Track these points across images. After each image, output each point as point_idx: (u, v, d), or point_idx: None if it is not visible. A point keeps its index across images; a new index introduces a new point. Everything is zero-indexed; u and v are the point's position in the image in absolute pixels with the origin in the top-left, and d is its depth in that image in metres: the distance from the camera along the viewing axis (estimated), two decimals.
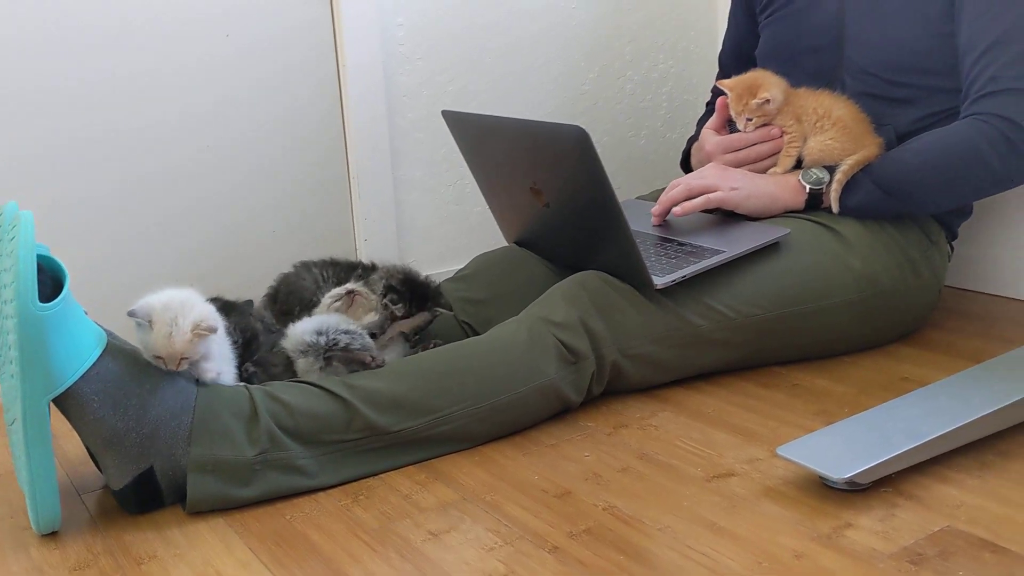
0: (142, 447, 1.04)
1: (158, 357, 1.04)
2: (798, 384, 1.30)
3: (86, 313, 1.06)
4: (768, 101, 1.42)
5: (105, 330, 1.08)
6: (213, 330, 1.05)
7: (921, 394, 1.13)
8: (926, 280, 1.42)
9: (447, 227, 1.87)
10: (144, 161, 1.56)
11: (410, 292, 1.28)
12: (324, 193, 1.74)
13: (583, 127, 1.16)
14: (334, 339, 1.12)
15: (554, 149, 1.25)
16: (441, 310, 1.33)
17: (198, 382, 1.09)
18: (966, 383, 1.15)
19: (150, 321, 1.03)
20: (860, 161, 1.36)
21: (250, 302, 1.39)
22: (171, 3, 1.54)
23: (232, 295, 1.40)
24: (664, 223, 1.45)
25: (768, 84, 1.44)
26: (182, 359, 1.04)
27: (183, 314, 1.03)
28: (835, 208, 1.37)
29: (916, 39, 1.41)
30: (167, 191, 1.59)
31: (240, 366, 1.18)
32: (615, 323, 1.25)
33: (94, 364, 1.02)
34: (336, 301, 1.21)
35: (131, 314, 1.04)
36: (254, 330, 1.21)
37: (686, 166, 1.72)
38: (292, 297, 1.30)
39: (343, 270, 1.33)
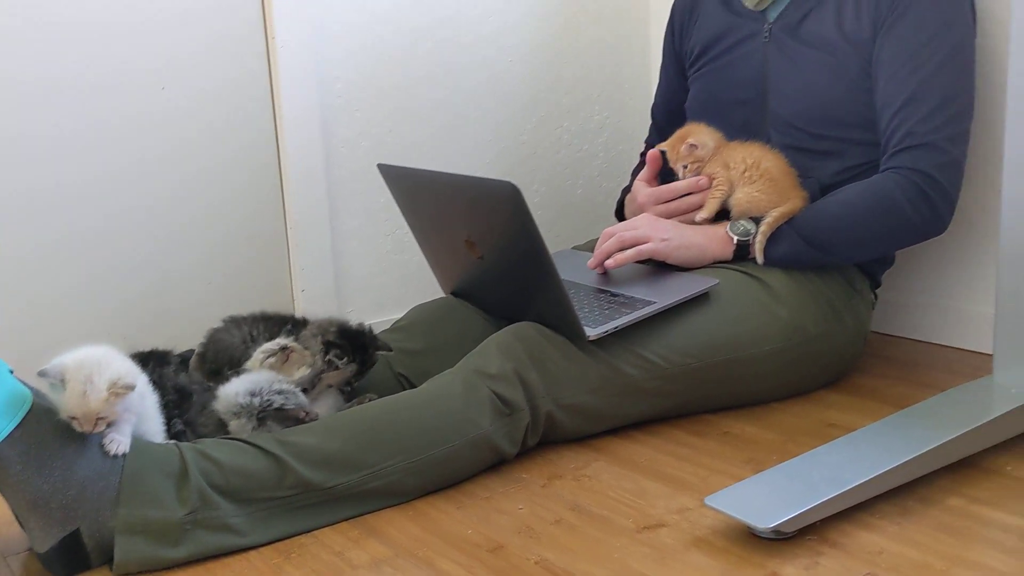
0: (68, 509, 1.02)
1: (73, 418, 1.01)
2: (728, 432, 1.33)
3: (12, 372, 1.05)
4: (695, 146, 1.46)
5: (32, 389, 1.06)
6: (131, 388, 1.03)
7: (845, 441, 1.17)
8: (850, 328, 1.46)
9: (385, 276, 1.87)
10: (79, 214, 1.55)
11: (350, 343, 1.28)
12: (261, 244, 1.73)
13: (515, 183, 1.18)
14: (268, 400, 1.12)
15: (487, 204, 1.27)
16: (382, 352, 1.34)
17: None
18: (888, 430, 1.18)
19: (63, 380, 1.01)
20: (785, 214, 1.40)
21: (191, 352, 1.38)
22: (107, 55, 1.54)
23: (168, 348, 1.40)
24: (595, 272, 1.48)
25: (697, 132, 1.50)
26: (98, 419, 1.02)
27: (99, 372, 1.01)
28: (759, 259, 1.41)
29: (836, 94, 1.47)
30: (101, 244, 1.57)
31: (171, 421, 1.17)
32: (549, 374, 1.26)
33: (18, 425, 1.01)
34: (270, 357, 1.21)
35: (42, 374, 1.01)
36: (187, 388, 1.20)
37: (620, 215, 1.76)
38: (221, 355, 1.29)
39: (273, 325, 1.32)
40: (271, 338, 1.26)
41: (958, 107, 1.39)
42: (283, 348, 1.21)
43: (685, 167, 1.49)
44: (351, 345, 1.26)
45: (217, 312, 1.65)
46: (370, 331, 1.33)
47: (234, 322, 1.35)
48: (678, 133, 1.52)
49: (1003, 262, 1.25)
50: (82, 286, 1.57)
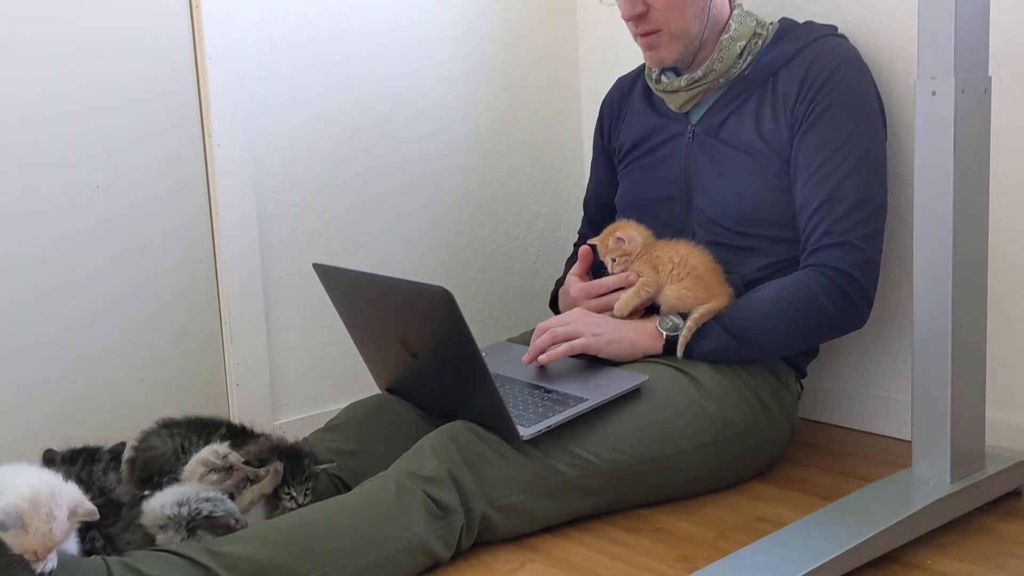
0: None
1: (33, 554, 0.98)
2: (661, 528, 1.35)
3: None
4: (622, 240, 1.51)
5: None
6: (93, 514, 1.01)
7: (772, 540, 1.19)
8: (778, 419, 1.50)
9: (321, 368, 1.87)
10: (11, 315, 1.52)
11: (288, 461, 1.28)
12: (195, 339, 1.72)
13: (448, 288, 1.21)
14: (196, 508, 1.11)
15: (421, 307, 1.29)
16: (323, 467, 1.33)
17: None
18: (814, 527, 1.21)
19: (23, 525, 0.97)
20: (711, 310, 1.45)
21: (123, 445, 1.35)
22: (40, 155, 1.53)
23: (97, 441, 1.37)
24: (528, 367, 1.50)
25: (626, 227, 1.55)
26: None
27: (56, 504, 0.98)
28: (679, 353, 1.44)
29: (756, 193, 1.53)
30: (34, 340, 1.55)
31: (89, 532, 1.14)
32: (484, 475, 1.27)
33: None
34: (212, 472, 1.20)
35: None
36: (115, 497, 1.18)
37: (554, 307, 1.79)
38: (151, 464, 1.28)
39: (209, 432, 1.31)
40: (205, 444, 1.25)
41: (872, 208, 1.46)
42: (229, 468, 1.20)
43: (614, 260, 1.53)
44: (283, 456, 1.26)
45: (150, 408, 1.63)
46: (309, 447, 1.33)
47: (167, 428, 1.34)
48: (608, 228, 1.57)
49: (917, 357, 1.30)
50: (11, 382, 1.53)
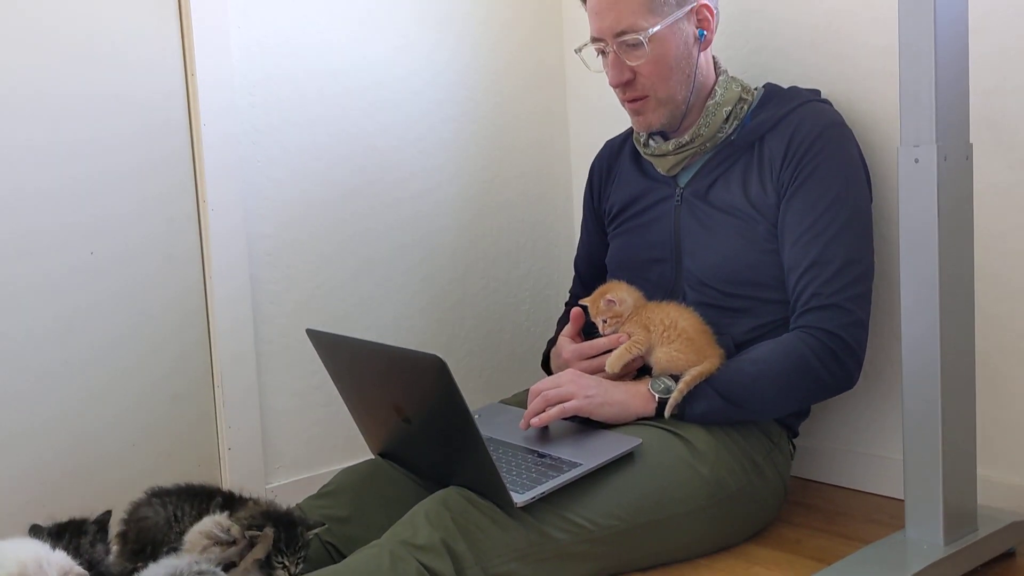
0: None
1: None
2: None
3: None
4: (613, 302, 1.52)
5: None
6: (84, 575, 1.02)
7: None
8: (771, 480, 1.50)
9: (314, 431, 1.87)
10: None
11: (282, 529, 1.27)
12: (187, 402, 1.72)
13: (441, 356, 1.21)
14: None
15: (415, 374, 1.30)
16: (315, 531, 1.32)
17: None
18: None
19: None
20: (703, 372, 1.45)
21: (108, 514, 1.33)
22: (35, 218, 1.54)
23: (89, 511, 1.36)
24: (520, 430, 1.50)
25: (616, 289, 1.56)
26: None
27: (45, 574, 0.99)
28: (667, 414, 1.45)
29: (745, 256, 1.55)
30: (21, 401, 1.54)
31: None
32: (478, 543, 1.26)
33: None
34: (216, 544, 1.19)
35: None
36: (103, 570, 1.17)
37: (547, 367, 1.79)
38: (144, 536, 1.27)
39: (201, 501, 1.31)
40: (199, 516, 1.24)
41: (859, 269, 1.48)
42: (233, 541, 1.20)
43: (605, 321, 1.54)
44: (276, 523, 1.25)
45: (139, 473, 1.63)
46: (301, 513, 1.33)
47: (158, 497, 1.33)
48: (599, 289, 1.59)
49: (907, 419, 1.31)
50: (5, 460, 1.53)
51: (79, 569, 1.02)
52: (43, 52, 1.54)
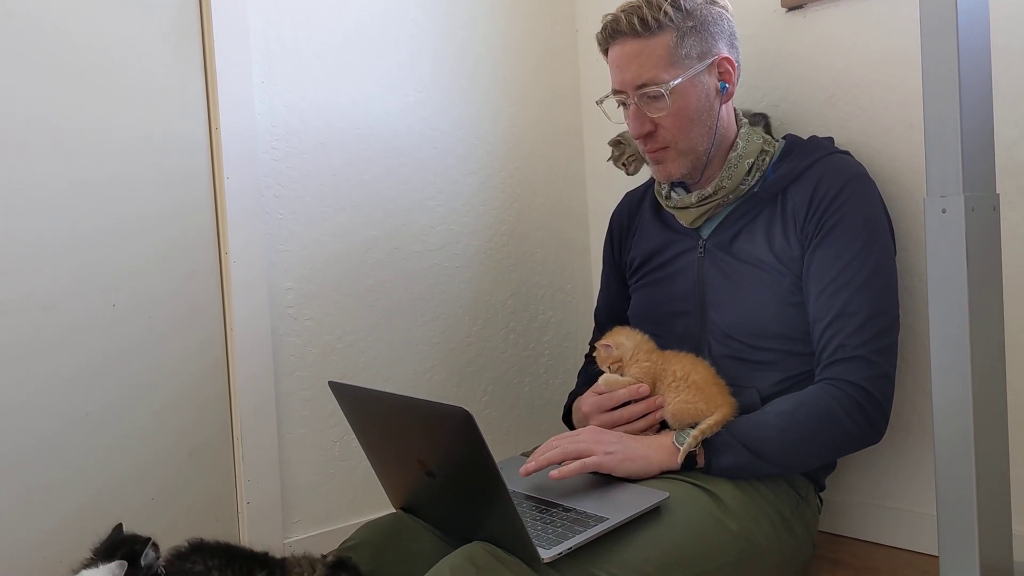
0: None
1: None
2: None
3: None
4: (609, 346, 1.53)
5: None
6: None
7: None
8: (799, 536, 1.47)
9: (333, 484, 1.85)
10: (17, 423, 1.51)
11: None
12: (205, 455, 1.71)
13: (468, 409, 1.20)
14: None
15: (439, 427, 1.28)
16: None
17: None
18: None
19: None
20: (718, 421, 1.44)
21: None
22: (55, 272, 1.55)
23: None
24: (545, 483, 1.48)
25: (614, 335, 1.58)
26: None
27: None
28: (678, 460, 1.43)
29: (770, 308, 1.54)
30: (37, 458, 1.54)
31: None
32: None
33: None
34: None
35: None
36: None
37: (568, 420, 1.78)
38: None
39: (244, 565, 1.29)
40: None
41: (885, 321, 1.47)
42: None
43: (609, 367, 1.54)
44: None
45: (158, 528, 1.61)
46: (350, 559, 1.34)
47: (198, 552, 1.31)
48: (603, 338, 1.58)
49: (940, 477, 1.29)
50: (21, 500, 1.51)
51: None
52: (72, 91, 1.56)
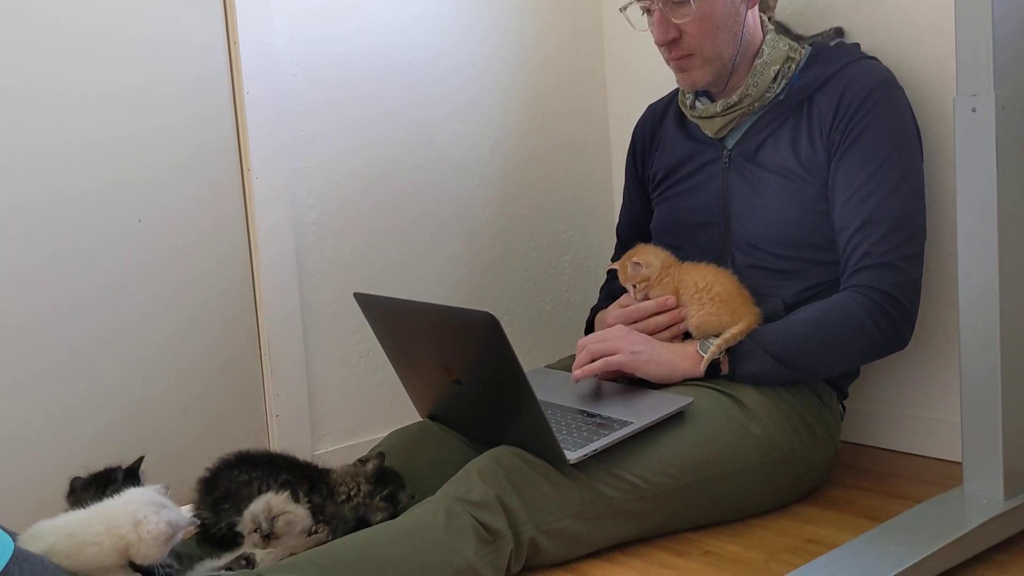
0: None
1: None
2: (710, 551, 1.34)
3: None
4: (639, 264, 1.52)
5: (11, 534, 1.05)
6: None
7: (826, 561, 1.18)
8: (822, 441, 1.49)
9: (360, 398, 1.88)
10: (51, 341, 1.54)
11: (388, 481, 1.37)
12: (235, 370, 1.74)
13: (493, 313, 1.21)
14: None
15: (465, 333, 1.30)
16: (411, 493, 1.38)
17: None
18: (867, 547, 1.20)
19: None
20: (742, 330, 1.44)
21: (139, 459, 1.38)
22: (81, 187, 1.56)
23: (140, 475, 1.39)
24: (570, 390, 1.50)
25: (643, 252, 1.57)
26: None
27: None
28: (701, 368, 1.45)
29: (795, 217, 1.53)
30: (71, 373, 1.56)
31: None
32: (531, 499, 1.27)
33: (1, 572, 0.99)
34: (253, 531, 1.24)
35: None
36: None
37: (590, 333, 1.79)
38: (231, 498, 1.31)
39: (291, 475, 1.34)
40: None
41: (911, 229, 1.46)
42: (268, 535, 1.23)
43: (635, 286, 1.54)
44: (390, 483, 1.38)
45: (189, 440, 1.66)
46: (397, 473, 1.40)
47: (247, 463, 1.37)
48: (627, 254, 1.59)
49: (965, 375, 1.30)
50: (53, 416, 1.55)
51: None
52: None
